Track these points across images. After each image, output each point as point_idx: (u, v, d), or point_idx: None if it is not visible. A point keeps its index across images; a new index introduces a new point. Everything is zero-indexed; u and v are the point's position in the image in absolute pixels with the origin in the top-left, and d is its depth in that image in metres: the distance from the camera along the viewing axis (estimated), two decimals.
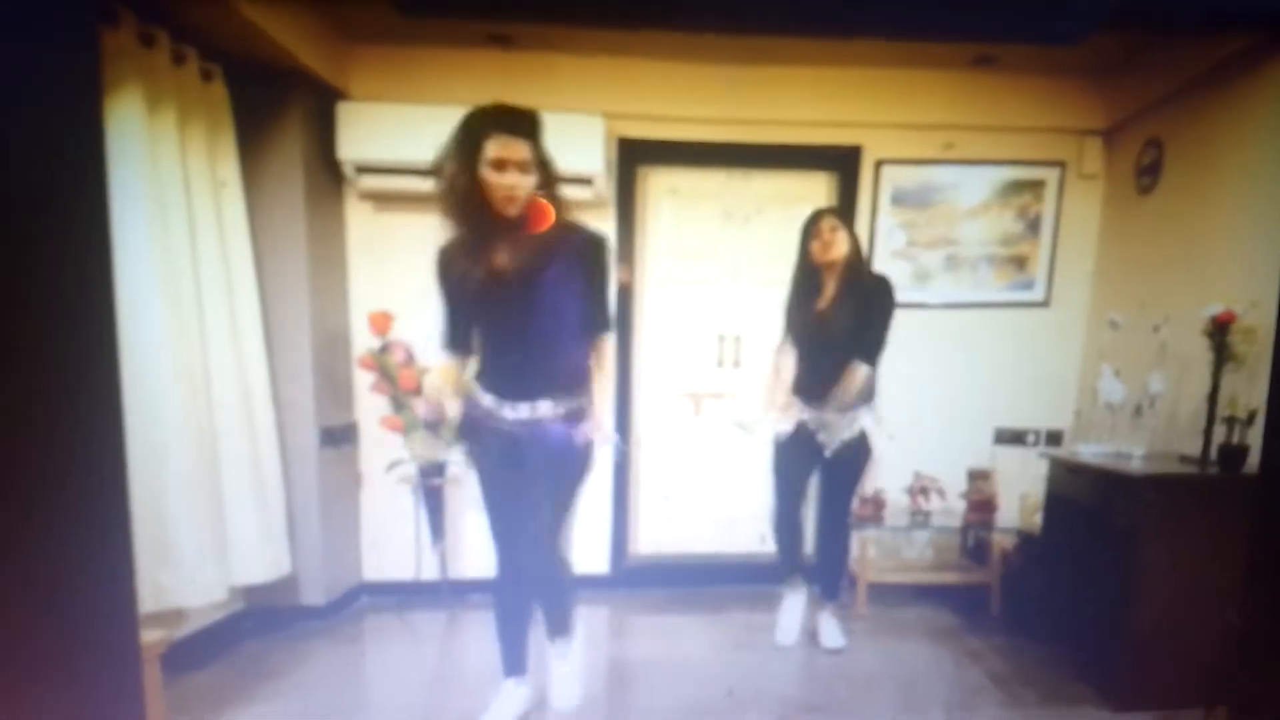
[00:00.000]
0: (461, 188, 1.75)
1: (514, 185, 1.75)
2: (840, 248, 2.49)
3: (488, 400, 1.96)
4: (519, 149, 1.74)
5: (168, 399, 2.28)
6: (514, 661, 2.19)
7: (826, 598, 2.82)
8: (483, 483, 2.05)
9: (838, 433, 2.58)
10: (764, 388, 2.77)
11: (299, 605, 2.96)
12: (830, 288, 2.55)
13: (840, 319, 2.50)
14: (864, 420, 2.59)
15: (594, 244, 1.93)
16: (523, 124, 1.76)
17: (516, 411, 1.94)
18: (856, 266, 2.54)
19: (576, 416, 1.99)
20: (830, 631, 2.78)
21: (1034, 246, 3.32)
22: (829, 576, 2.80)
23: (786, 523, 2.75)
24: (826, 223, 2.50)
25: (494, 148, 1.73)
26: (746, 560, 3.49)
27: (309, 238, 2.84)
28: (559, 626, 2.20)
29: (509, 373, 1.94)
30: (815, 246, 2.52)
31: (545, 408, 1.94)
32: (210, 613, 2.63)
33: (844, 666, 2.67)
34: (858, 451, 2.61)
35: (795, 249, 2.61)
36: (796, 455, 2.66)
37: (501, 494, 2.04)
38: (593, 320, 1.99)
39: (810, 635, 2.80)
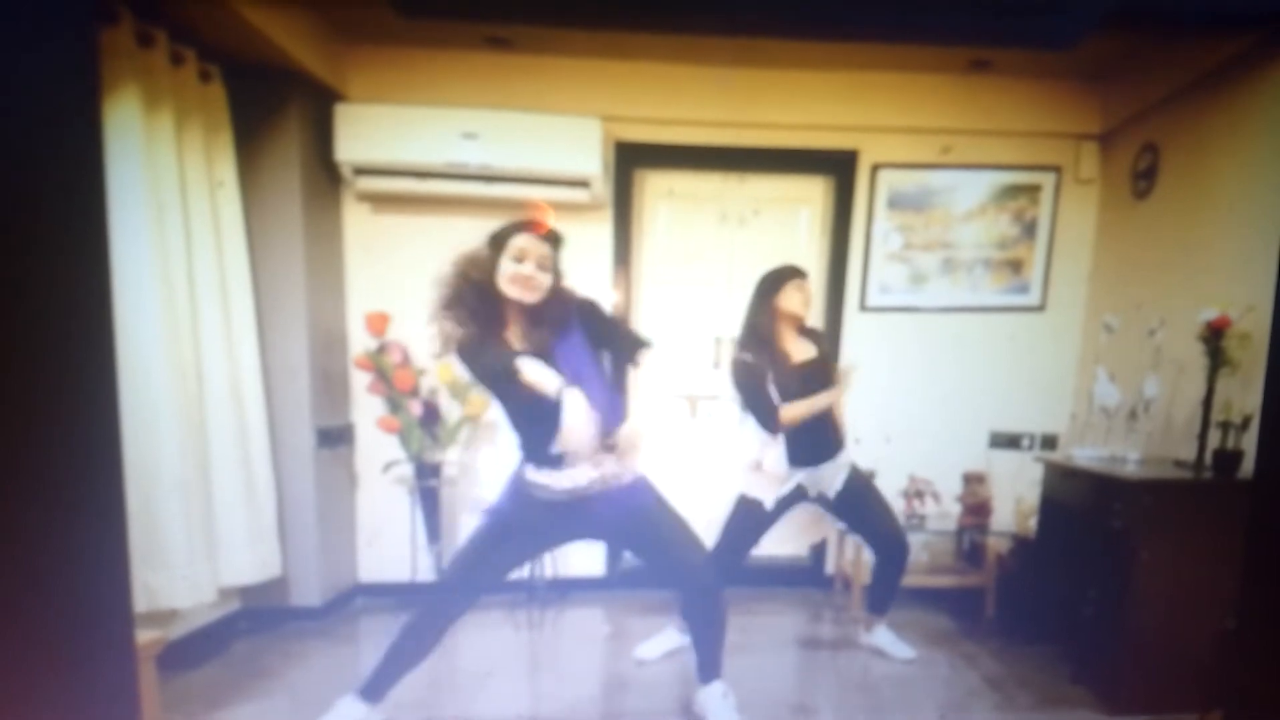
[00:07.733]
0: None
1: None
2: (807, 304, 2.54)
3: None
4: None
5: (160, 398, 2.28)
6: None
7: (879, 612, 2.79)
8: None
9: (832, 481, 2.59)
10: (751, 480, 2.64)
11: (294, 606, 2.96)
12: (791, 341, 2.56)
13: (814, 367, 2.54)
14: (849, 458, 2.64)
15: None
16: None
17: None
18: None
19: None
20: (894, 642, 2.76)
21: (1030, 250, 3.33)
22: (888, 592, 2.75)
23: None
24: (801, 280, 2.52)
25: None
26: None
27: (306, 238, 2.84)
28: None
29: None
30: (796, 299, 2.50)
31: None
32: (206, 613, 2.62)
33: (839, 669, 2.67)
34: (865, 480, 2.68)
35: (752, 305, 2.55)
36: (771, 514, 2.62)
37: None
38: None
39: (812, 642, 2.79)
